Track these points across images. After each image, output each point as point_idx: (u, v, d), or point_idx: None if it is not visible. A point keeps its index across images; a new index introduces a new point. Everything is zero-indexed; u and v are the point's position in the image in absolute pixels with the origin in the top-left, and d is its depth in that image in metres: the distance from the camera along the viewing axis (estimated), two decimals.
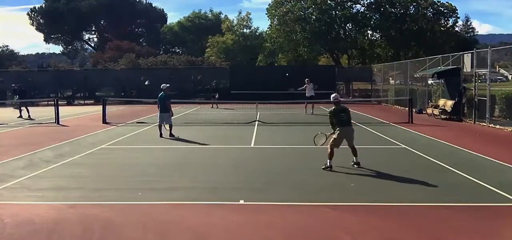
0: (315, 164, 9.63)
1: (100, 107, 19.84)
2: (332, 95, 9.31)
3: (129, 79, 37.47)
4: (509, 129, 14.88)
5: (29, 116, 21.25)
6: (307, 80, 22.54)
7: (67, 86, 38.92)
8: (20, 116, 21.29)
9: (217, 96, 27.64)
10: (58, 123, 18.21)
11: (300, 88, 22.90)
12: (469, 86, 18.58)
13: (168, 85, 14.48)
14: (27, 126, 17.79)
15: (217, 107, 26.72)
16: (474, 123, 17.16)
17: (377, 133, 14.54)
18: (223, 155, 10.91)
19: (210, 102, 27.45)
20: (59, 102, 20.51)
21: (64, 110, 22.40)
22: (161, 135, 13.69)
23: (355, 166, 8.96)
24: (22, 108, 21.90)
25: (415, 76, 25.38)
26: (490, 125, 16.07)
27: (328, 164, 8.73)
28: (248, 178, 8.33)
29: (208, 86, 29.63)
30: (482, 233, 5.41)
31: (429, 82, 24.39)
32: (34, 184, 7.81)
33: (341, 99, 9.67)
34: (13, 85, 26.83)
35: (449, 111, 18.94)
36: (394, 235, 5.34)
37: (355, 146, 9.20)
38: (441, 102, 20.07)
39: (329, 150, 8.88)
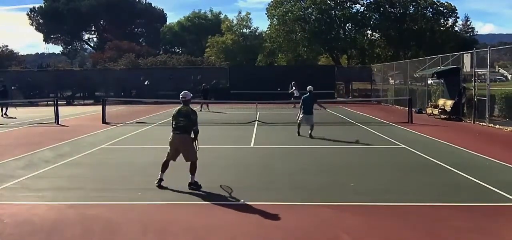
0: (314, 163, 9.65)
1: (99, 107, 19.83)
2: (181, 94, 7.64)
3: (128, 79, 37.44)
4: (508, 129, 14.90)
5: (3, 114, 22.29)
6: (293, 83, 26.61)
7: (66, 86, 38.85)
8: (5, 115, 22.26)
9: (201, 97, 25.62)
10: (57, 123, 18.21)
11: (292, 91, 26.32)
12: (469, 86, 18.60)
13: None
14: (26, 126, 17.78)
15: (207, 108, 24.86)
16: (474, 123, 17.17)
17: (377, 133, 14.54)
18: (223, 155, 10.91)
19: (200, 102, 25.20)
20: (58, 102, 20.52)
21: (63, 110, 22.39)
22: None
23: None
24: (3, 107, 22.81)
25: (415, 76, 25.40)
26: (490, 125, 16.08)
27: (159, 176, 7.42)
28: (248, 178, 8.33)
29: (200, 87, 27.34)
30: (482, 233, 5.40)
31: (429, 82, 24.40)
32: (34, 184, 7.80)
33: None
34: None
35: (448, 111, 18.96)
36: (394, 235, 5.34)
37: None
38: (441, 102, 20.08)
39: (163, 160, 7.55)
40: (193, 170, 7.38)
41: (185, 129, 7.38)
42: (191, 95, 7.74)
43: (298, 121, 13.88)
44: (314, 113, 13.84)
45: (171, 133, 7.48)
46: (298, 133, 13.75)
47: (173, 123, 7.48)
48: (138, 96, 33.14)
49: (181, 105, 7.54)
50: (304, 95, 14.00)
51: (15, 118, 21.26)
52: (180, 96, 7.59)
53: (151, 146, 12.30)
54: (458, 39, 42.68)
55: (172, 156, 7.48)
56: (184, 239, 5.29)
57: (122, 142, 13.23)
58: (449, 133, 14.60)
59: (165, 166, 7.49)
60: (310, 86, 13.96)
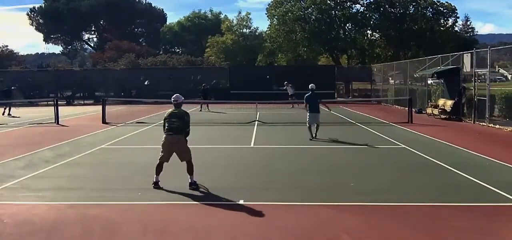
0: (314, 163, 9.65)
1: (99, 107, 19.84)
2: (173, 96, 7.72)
3: (128, 79, 37.43)
4: (508, 129, 14.89)
5: (6, 113, 22.60)
6: (285, 83, 27.04)
7: (66, 86, 38.87)
8: (2, 114, 22.47)
9: (201, 97, 25.75)
10: (57, 123, 18.21)
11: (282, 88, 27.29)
12: (469, 86, 18.60)
13: None
14: (26, 126, 17.78)
15: (207, 108, 24.88)
16: (474, 123, 17.17)
17: (377, 133, 14.54)
18: (222, 155, 10.91)
19: (200, 102, 25.40)
20: (58, 102, 20.53)
21: (63, 110, 22.39)
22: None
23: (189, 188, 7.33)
24: (6, 107, 23.07)
25: (415, 76, 25.39)
26: (490, 125, 16.08)
27: (154, 179, 7.43)
28: (248, 178, 8.33)
29: (200, 87, 27.39)
30: (482, 233, 5.40)
31: (429, 82, 24.40)
32: (34, 184, 7.81)
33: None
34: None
35: (448, 111, 18.95)
36: (394, 235, 5.34)
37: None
38: (441, 102, 20.08)
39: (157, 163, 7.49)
40: (190, 170, 7.42)
41: (178, 130, 7.44)
42: (183, 98, 7.83)
43: (308, 124, 13.28)
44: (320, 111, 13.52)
45: (164, 135, 7.52)
46: (313, 135, 13.03)
47: (166, 125, 7.52)
48: (138, 96, 33.15)
49: (173, 108, 7.62)
50: (307, 94, 13.44)
51: (19, 117, 21.35)
52: (172, 99, 7.66)
53: (151, 146, 12.27)
54: (458, 39, 42.69)
55: (165, 157, 7.48)
56: (184, 239, 5.29)
57: (122, 142, 13.23)
58: (449, 133, 14.60)
59: (159, 168, 7.48)
60: (312, 84, 13.40)
